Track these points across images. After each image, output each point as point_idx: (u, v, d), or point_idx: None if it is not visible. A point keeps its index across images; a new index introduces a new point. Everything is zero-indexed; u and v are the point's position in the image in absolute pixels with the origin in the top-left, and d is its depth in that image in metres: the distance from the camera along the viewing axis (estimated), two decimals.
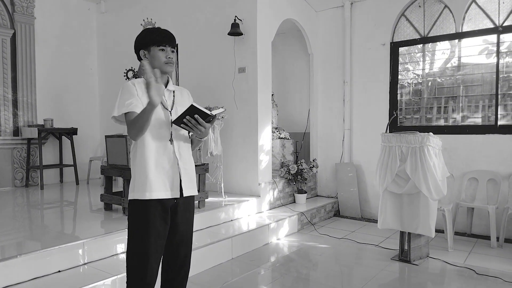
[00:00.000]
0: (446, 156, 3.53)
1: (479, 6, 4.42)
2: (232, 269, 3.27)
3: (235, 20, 4.50)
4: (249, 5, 4.53)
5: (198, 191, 3.68)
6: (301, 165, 4.93)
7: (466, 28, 4.50)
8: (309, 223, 4.66)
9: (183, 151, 1.85)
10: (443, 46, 4.75)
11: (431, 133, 3.26)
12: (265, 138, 4.67)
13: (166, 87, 1.86)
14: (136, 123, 1.66)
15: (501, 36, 4.28)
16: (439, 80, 4.87)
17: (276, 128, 5.61)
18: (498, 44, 4.28)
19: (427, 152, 3.21)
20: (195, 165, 2.12)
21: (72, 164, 5.64)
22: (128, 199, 1.80)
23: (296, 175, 4.89)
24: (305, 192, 5.06)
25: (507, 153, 4.14)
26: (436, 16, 4.70)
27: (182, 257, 1.90)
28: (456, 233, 4.19)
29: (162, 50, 1.80)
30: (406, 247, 3.47)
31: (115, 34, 6.14)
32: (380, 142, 3.54)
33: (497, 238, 3.89)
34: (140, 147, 1.76)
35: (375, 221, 4.49)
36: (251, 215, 4.33)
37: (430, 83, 4.91)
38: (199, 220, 3.61)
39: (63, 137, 5.78)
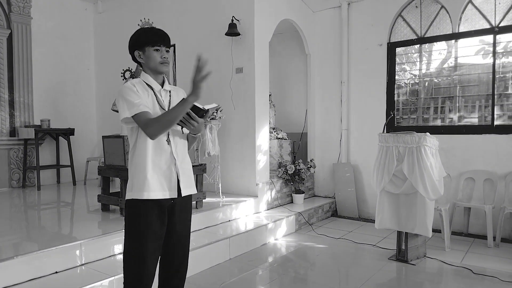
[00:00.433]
0: (443, 156, 3.55)
1: (475, 7, 4.44)
2: (230, 269, 3.27)
3: (232, 20, 4.50)
4: (246, 6, 4.53)
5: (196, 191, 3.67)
6: (299, 165, 4.93)
7: (462, 28, 4.52)
8: (306, 223, 4.66)
9: (180, 151, 1.85)
10: (440, 47, 4.77)
11: (428, 133, 3.27)
12: (263, 138, 4.68)
13: (162, 87, 1.86)
14: (166, 118, 1.65)
15: (497, 36, 4.30)
16: (436, 80, 4.89)
17: (273, 128, 5.61)
18: (494, 44, 4.30)
19: (424, 152, 3.22)
20: (193, 166, 2.12)
21: (69, 164, 5.62)
22: (126, 199, 1.79)
23: (293, 175, 4.90)
24: (303, 192, 5.06)
25: (503, 153, 4.16)
26: (432, 16, 4.72)
27: (180, 258, 1.90)
28: (453, 233, 4.20)
29: (157, 50, 1.79)
30: (403, 247, 3.48)
31: (112, 34, 6.13)
32: (377, 142, 3.55)
33: (494, 238, 3.91)
34: (138, 148, 1.76)
35: (373, 221, 4.50)
36: (248, 216, 4.33)
37: (427, 83, 4.93)
38: (197, 220, 3.61)
39: (60, 137, 5.76)
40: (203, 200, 4.01)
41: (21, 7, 5.43)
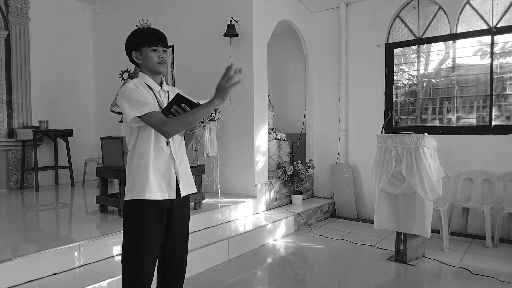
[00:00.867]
0: (441, 157, 3.55)
1: (473, 8, 4.45)
2: (229, 270, 3.26)
3: (230, 21, 4.50)
4: (244, 7, 4.53)
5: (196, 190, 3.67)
6: (298, 166, 4.93)
7: (460, 29, 4.53)
8: (305, 224, 4.66)
9: (179, 152, 1.85)
10: (437, 47, 4.78)
11: (426, 134, 3.28)
12: (261, 139, 4.68)
13: (161, 88, 1.86)
14: (189, 118, 1.67)
15: (495, 37, 4.31)
16: (434, 81, 4.90)
17: (272, 129, 5.61)
18: (492, 45, 4.32)
19: (422, 152, 3.22)
20: (191, 167, 2.13)
21: (68, 166, 5.61)
22: (125, 199, 1.79)
23: (292, 176, 4.90)
24: (302, 193, 5.06)
25: (501, 153, 4.17)
26: (430, 17, 4.73)
27: (178, 259, 1.90)
28: (452, 233, 4.21)
29: (154, 50, 1.79)
30: (402, 248, 3.48)
31: (111, 35, 6.12)
32: (375, 143, 3.56)
33: (492, 238, 3.91)
34: (138, 149, 1.76)
35: (371, 222, 4.50)
36: (247, 216, 4.32)
37: (425, 84, 4.94)
38: (196, 221, 3.60)
39: (58, 138, 5.75)
40: (202, 201, 4.00)
41: (19, 8, 5.42)
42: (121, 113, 3.91)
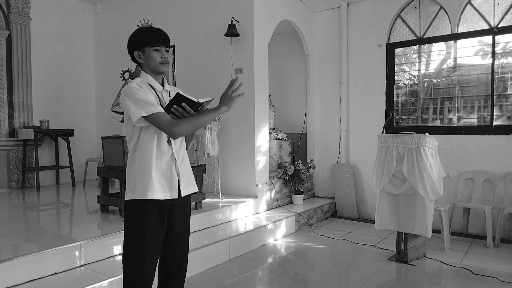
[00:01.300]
0: (442, 157, 3.55)
1: (474, 8, 4.45)
2: (230, 270, 3.26)
3: (231, 21, 4.50)
4: (245, 6, 4.53)
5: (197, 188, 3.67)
6: (298, 166, 4.93)
7: (461, 29, 4.52)
8: (306, 224, 4.66)
9: (180, 152, 1.85)
10: (439, 47, 4.77)
11: (427, 134, 3.27)
12: (262, 139, 4.68)
13: (163, 87, 1.86)
14: (198, 121, 1.73)
15: (496, 37, 4.31)
16: (435, 81, 4.89)
17: (273, 129, 5.61)
18: (493, 45, 4.31)
19: (423, 152, 3.22)
20: (192, 166, 2.13)
21: (69, 165, 5.61)
22: (126, 199, 1.79)
23: (293, 176, 4.90)
24: (302, 193, 5.06)
25: (502, 153, 4.16)
26: (431, 17, 4.73)
27: (179, 258, 1.90)
28: (453, 233, 4.20)
29: (157, 50, 1.78)
30: (403, 248, 3.48)
31: (112, 35, 6.12)
32: (376, 143, 3.55)
33: (493, 238, 3.91)
34: (140, 148, 1.76)
35: (372, 222, 4.50)
36: (248, 216, 4.32)
37: (426, 84, 4.93)
38: (196, 221, 3.60)
39: (59, 138, 5.75)
40: (203, 201, 4.00)
41: (20, 8, 5.43)
42: (122, 113, 3.91)
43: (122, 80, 4.82)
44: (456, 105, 4.65)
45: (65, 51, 6.06)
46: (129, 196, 1.77)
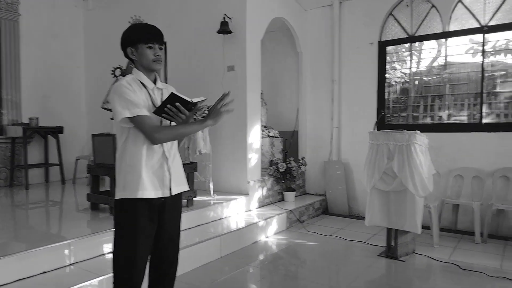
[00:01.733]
0: (432, 154, 3.58)
1: (465, 6, 4.48)
2: (221, 267, 3.26)
3: (224, 18, 4.48)
4: (238, 4, 4.51)
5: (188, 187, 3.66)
6: (290, 163, 4.94)
7: (452, 27, 4.56)
8: (297, 221, 4.68)
9: (172, 150, 1.85)
10: (430, 45, 4.81)
11: (418, 131, 3.30)
12: (254, 137, 4.67)
13: (155, 85, 1.84)
14: (180, 131, 1.75)
15: (486, 35, 4.35)
16: (425, 78, 4.93)
17: (265, 127, 5.61)
18: (483, 43, 4.35)
19: (413, 150, 3.25)
20: (184, 164, 2.12)
21: (58, 163, 5.55)
22: (116, 198, 1.77)
23: (285, 173, 4.91)
24: (294, 190, 5.08)
25: (491, 150, 4.22)
26: (423, 15, 4.75)
27: (170, 256, 1.89)
28: (442, 229, 4.24)
29: (150, 48, 1.77)
30: (393, 244, 3.51)
31: (103, 32, 6.06)
32: (368, 140, 3.57)
33: (482, 234, 3.96)
34: (130, 146, 1.74)
35: (363, 218, 4.51)
36: (240, 214, 4.32)
37: (417, 81, 4.97)
38: (188, 219, 3.60)
39: (48, 136, 5.69)
40: (194, 199, 3.99)
41: (9, 3, 5.34)
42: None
43: (113, 77, 4.78)
44: (446, 103, 4.69)
45: (55, 47, 5.98)
46: (118, 195, 1.76)
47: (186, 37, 5.02)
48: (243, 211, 4.40)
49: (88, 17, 6.32)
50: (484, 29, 4.34)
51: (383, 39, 5.02)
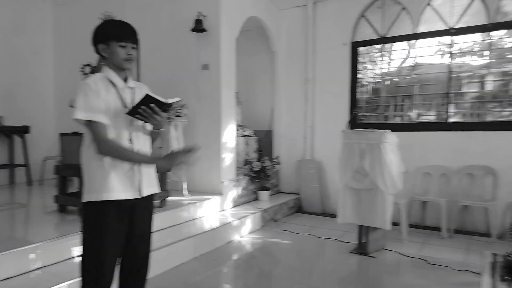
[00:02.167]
0: (402, 152, 3.68)
1: (433, 9, 4.63)
2: (195, 268, 3.23)
3: (198, 16, 4.44)
4: (212, 2, 4.47)
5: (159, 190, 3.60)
6: (265, 162, 4.96)
7: (421, 29, 4.69)
8: (272, 219, 4.70)
9: (144, 151, 1.81)
10: (400, 46, 4.94)
11: (388, 130, 3.39)
12: (229, 136, 4.66)
13: (126, 84, 1.79)
14: (127, 155, 1.68)
15: (453, 37, 4.51)
16: (396, 79, 5.07)
17: (240, 126, 5.60)
18: (451, 45, 4.51)
19: (383, 148, 3.33)
20: None
21: (24, 164, 5.33)
22: (82, 201, 1.72)
23: (259, 172, 4.92)
24: (268, 189, 5.10)
25: (457, 149, 4.39)
26: (394, 17, 4.87)
27: (141, 258, 1.86)
28: (411, 226, 4.37)
29: (123, 46, 1.72)
30: (364, 240, 3.59)
31: (73, 28, 5.85)
32: (341, 139, 3.63)
33: (448, 229, 4.12)
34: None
35: (336, 216, 4.61)
36: (214, 214, 4.30)
37: (388, 82, 5.09)
38: (160, 219, 3.53)
39: (15, 135, 5.45)
40: (167, 199, 3.94)
41: None
42: None
43: (83, 74, 4.64)
44: (416, 102, 4.84)
45: (21, 44, 5.72)
46: (85, 197, 1.71)
47: (159, 35, 4.93)
48: (217, 211, 4.38)
49: (57, 12, 6.09)
50: (451, 31, 4.50)
51: (355, 40, 5.11)
